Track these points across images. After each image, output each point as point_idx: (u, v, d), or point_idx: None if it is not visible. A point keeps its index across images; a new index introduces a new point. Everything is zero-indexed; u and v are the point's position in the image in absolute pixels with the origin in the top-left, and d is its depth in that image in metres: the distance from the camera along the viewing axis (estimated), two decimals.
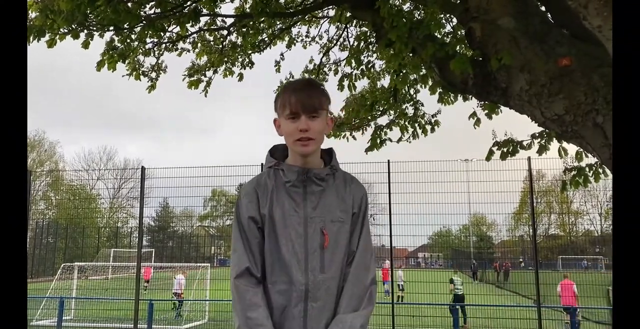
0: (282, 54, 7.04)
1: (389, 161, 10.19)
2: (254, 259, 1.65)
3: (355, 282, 1.66)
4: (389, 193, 10.19)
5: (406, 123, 5.89)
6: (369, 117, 6.03)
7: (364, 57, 6.57)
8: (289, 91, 1.68)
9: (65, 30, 4.28)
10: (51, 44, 4.26)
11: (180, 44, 6.06)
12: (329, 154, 1.78)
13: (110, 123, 75.73)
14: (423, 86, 5.94)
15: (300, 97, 1.64)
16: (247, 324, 1.57)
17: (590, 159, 4.08)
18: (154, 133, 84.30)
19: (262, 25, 6.31)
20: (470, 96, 5.24)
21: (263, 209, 1.67)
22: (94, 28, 4.53)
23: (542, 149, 4.15)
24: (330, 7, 6.23)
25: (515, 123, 4.25)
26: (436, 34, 4.67)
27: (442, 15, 5.81)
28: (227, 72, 6.51)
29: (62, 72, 68.31)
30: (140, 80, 5.85)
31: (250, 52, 6.48)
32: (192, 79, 6.27)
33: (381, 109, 6.09)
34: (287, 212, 1.67)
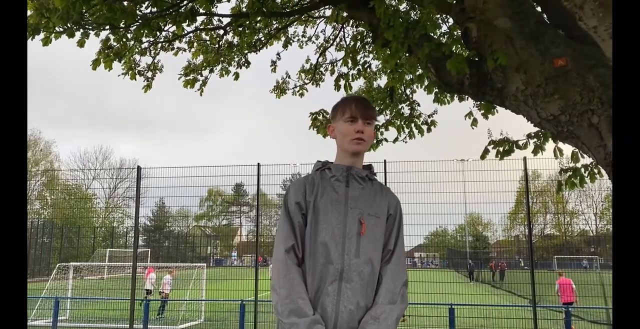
0: (278, 54, 7.03)
1: (385, 160, 10.20)
2: (297, 240, 1.84)
3: (392, 277, 1.83)
4: None
5: (402, 123, 5.90)
6: None
7: (361, 57, 6.57)
8: (350, 101, 2.01)
9: (61, 29, 4.26)
10: (46, 42, 4.24)
11: (177, 44, 6.05)
12: (369, 167, 2.04)
13: (105, 123, 75.54)
14: (419, 85, 5.95)
15: (359, 106, 1.97)
16: (290, 296, 1.71)
17: (586, 160, 4.10)
18: (150, 133, 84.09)
19: (258, 24, 6.31)
20: (466, 96, 5.26)
21: (309, 197, 1.88)
22: (90, 27, 4.51)
23: (537, 149, 4.16)
24: (327, 7, 6.22)
25: (511, 123, 4.26)
26: (432, 34, 4.67)
27: (438, 16, 5.82)
28: (224, 72, 6.50)
29: (56, 71, 68.06)
30: (135, 79, 5.84)
31: (246, 51, 6.47)
32: (187, 78, 6.26)
33: (378, 109, 6.09)
34: (330, 201, 1.87)
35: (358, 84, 6.67)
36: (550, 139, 3.96)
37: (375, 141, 5.92)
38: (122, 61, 5.49)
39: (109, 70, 4.98)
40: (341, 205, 1.86)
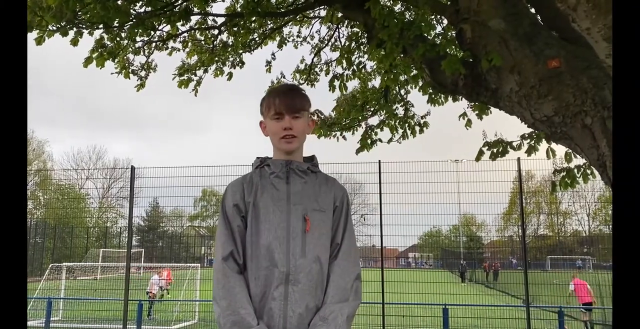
0: (273, 54, 7.03)
1: (379, 161, 10.21)
2: (236, 245, 1.73)
3: (341, 274, 1.73)
4: (380, 193, 10.20)
5: (396, 124, 5.91)
6: (360, 118, 6.04)
7: (355, 57, 6.58)
8: (273, 95, 1.84)
9: (54, 28, 4.24)
10: (39, 41, 4.21)
11: (171, 43, 6.02)
12: (311, 159, 1.92)
13: (99, 122, 75.22)
14: (414, 86, 5.96)
15: (283, 99, 1.80)
16: (230, 307, 1.62)
17: (579, 160, 4.12)
18: (144, 132, 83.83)
19: (253, 24, 6.30)
20: (460, 97, 5.27)
21: (248, 197, 1.77)
22: (83, 25, 4.48)
23: (531, 150, 4.18)
24: (322, 7, 6.22)
25: (505, 124, 4.28)
26: (427, 35, 4.68)
27: (432, 16, 5.84)
28: (218, 72, 6.48)
29: (47, 69, 67.71)
30: (129, 78, 5.81)
31: (241, 51, 6.46)
32: (182, 78, 6.24)
33: (372, 109, 6.10)
34: (271, 200, 1.76)
35: (353, 85, 6.68)
36: (543, 139, 3.97)
37: (369, 142, 5.93)
38: (116, 60, 5.46)
39: (100, 68, 4.95)
40: (283, 203, 1.75)
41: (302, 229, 1.72)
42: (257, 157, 1.92)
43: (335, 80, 6.44)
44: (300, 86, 1.99)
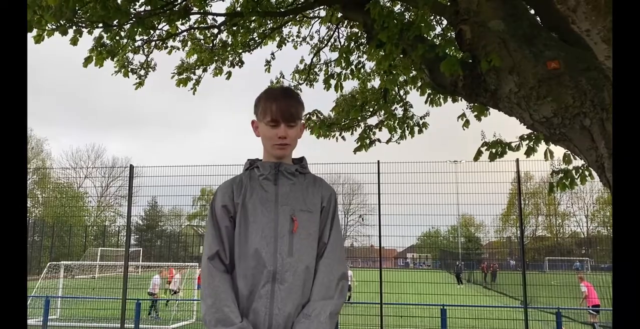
0: (272, 54, 7.03)
1: (378, 161, 10.21)
2: (223, 246, 1.76)
3: (326, 272, 1.76)
4: (379, 194, 10.21)
5: (395, 124, 5.91)
6: (359, 118, 6.04)
7: (354, 58, 6.57)
8: (271, 99, 1.84)
9: (53, 27, 4.23)
10: (38, 40, 4.21)
11: (170, 42, 6.02)
12: (300, 160, 1.95)
13: (98, 121, 75.15)
14: (413, 87, 5.96)
15: (280, 107, 1.81)
16: (215, 305, 1.66)
17: (578, 162, 4.12)
18: (142, 131, 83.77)
19: (252, 24, 6.30)
20: (459, 98, 5.27)
21: (237, 198, 1.80)
22: (83, 24, 4.48)
23: (530, 151, 4.18)
24: (321, 7, 6.22)
25: (504, 125, 4.28)
26: (426, 36, 4.68)
27: (432, 17, 5.84)
28: (217, 71, 6.48)
29: (44, 67, 67.64)
30: (128, 77, 5.81)
31: (240, 51, 6.46)
32: (181, 77, 6.23)
33: (371, 109, 6.10)
34: (260, 201, 1.79)
35: (352, 85, 6.68)
36: (542, 141, 3.98)
37: (368, 142, 5.93)
38: (115, 59, 5.46)
39: (99, 67, 4.95)
40: (271, 204, 1.79)
41: (290, 229, 1.76)
42: (248, 160, 1.95)
43: (332, 79, 6.44)
44: (295, 90, 2.00)
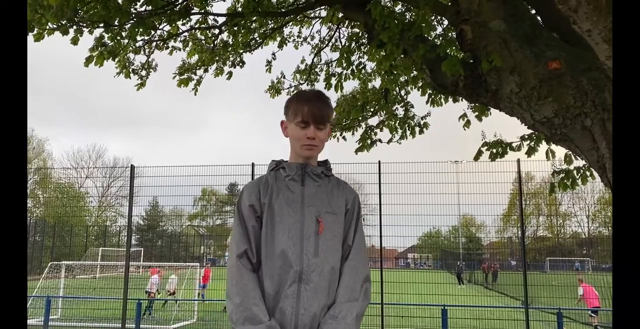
0: (273, 54, 7.02)
1: (379, 161, 10.21)
2: (250, 244, 1.78)
3: (351, 274, 1.78)
4: (380, 194, 10.21)
5: (396, 124, 5.91)
6: (360, 118, 6.04)
7: (355, 58, 6.57)
8: (303, 101, 1.89)
9: (54, 26, 4.23)
10: (38, 38, 4.21)
11: (171, 43, 6.02)
12: (324, 163, 1.98)
13: (99, 121, 75.19)
14: (414, 87, 5.96)
15: (312, 109, 1.85)
16: (243, 304, 1.67)
17: (579, 162, 4.12)
18: (143, 131, 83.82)
19: (253, 24, 6.30)
20: (460, 98, 5.27)
21: (264, 199, 1.83)
22: (84, 24, 4.48)
23: (531, 151, 4.18)
24: (322, 7, 6.22)
25: (505, 125, 4.27)
26: (427, 36, 4.68)
27: (433, 17, 5.83)
28: (218, 71, 6.48)
29: (46, 67, 67.69)
30: (130, 78, 5.81)
31: (241, 51, 6.46)
32: (182, 77, 6.23)
33: (372, 110, 6.10)
34: (286, 202, 1.82)
35: (352, 85, 6.68)
36: (543, 141, 3.97)
37: (369, 142, 5.93)
38: (116, 60, 5.46)
39: (99, 67, 4.95)
40: (297, 204, 1.81)
41: (315, 231, 1.78)
42: (273, 160, 1.97)
43: (332, 79, 6.44)
44: (325, 94, 2.01)
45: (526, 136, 4.24)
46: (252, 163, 10.62)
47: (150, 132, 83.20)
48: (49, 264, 16.96)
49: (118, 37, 5.07)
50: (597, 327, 12.28)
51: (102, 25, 4.61)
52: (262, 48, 6.66)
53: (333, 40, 7.08)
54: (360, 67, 6.48)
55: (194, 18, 5.76)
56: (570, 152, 3.80)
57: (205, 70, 6.38)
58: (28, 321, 12.36)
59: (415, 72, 4.57)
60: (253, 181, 1.92)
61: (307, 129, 1.85)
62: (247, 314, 1.66)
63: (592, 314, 12.43)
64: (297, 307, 1.70)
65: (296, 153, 1.91)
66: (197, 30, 6.13)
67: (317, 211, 1.81)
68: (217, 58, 6.35)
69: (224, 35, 6.34)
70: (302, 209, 1.81)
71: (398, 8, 6.16)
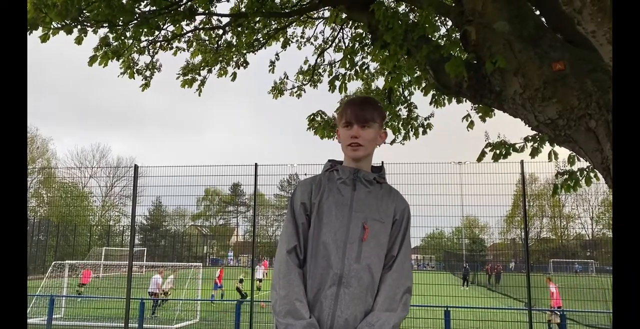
0: (277, 54, 7.02)
1: (382, 162, 10.18)
2: (300, 241, 1.83)
3: (393, 285, 1.79)
4: None
5: (399, 125, 5.90)
6: None
7: (359, 58, 6.56)
8: (347, 105, 1.98)
9: (59, 25, 4.25)
10: (44, 38, 4.22)
11: (175, 43, 6.03)
12: (379, 169, 2.02)
13: (102, 120, 75.40)
14: (417, 87, 5.95)
15: (354, 110, 1.92)
16: (288, 297, 1.72)
17: (582, 163, 4.10)
18: (147, 131, 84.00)
19: (257, 25, 6.30)
20: (464, 99, 5.25)
21: (315, 198, 1.87)
22: (88, 24, 4.49)
23: (534, 152, 4.16)
24: (326, 8, 6.22)
25: (509, 126, 4.26)
26: (431, 36, 4.67)
27: (437, 18, 5.82)
28: (222, 72, 6.49)
29: (50, 67, 67.89)
30: (134, 78, 5.82)
31: (245, 51, 6.46)
32: (186, 78, 6.24)
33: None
34: (335, 204, 1.85)
35: (356, 86, 6.68)
36: (547, 142, 3.96)
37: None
38: (121, 60, 5.47)
39: (103, 67, 4.96)
40: (346, 208, 1.84)
41: (360, 237, 1.80)
42: (329, 160, 2.02)
43: (336, 80, 6.43)
44: (376, 99, 2.06)
45: (530, 137, 4.23)
46: (255, 163, 10.63)
47: (154, 132, 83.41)
48: (53, 264, 17.03)
49: (122, 37, 5.09)
50: (555, 326, 12.21)
51: (106, 25, 4.62)
52: (265, 48, 6.67)
53: (336, 40, 7.08)
54: (364, 67, 6.47)
55: (198, 18, 5.78)
56: (573, 154, 3.79)
57: (209, 71, 6.38)
58: (32, 320, 12.40)
59: (418, 73, 4.57)
60: (307, 179, 1.96)
61: (351, 129, 1.90)
62: (290, 307, 1.70)
63: (557, 313, 12.42)
64: (334, 308, 1.73)
65: (347, 156, 1.95)
66: (201, 31, 6.14)
67: (364, 217, 1.83)
68: (221, 58, 6.35)
69: (228, 36, 6.35)
70: (350, 213, 1.83)
71: (402, 8, 6.15)
